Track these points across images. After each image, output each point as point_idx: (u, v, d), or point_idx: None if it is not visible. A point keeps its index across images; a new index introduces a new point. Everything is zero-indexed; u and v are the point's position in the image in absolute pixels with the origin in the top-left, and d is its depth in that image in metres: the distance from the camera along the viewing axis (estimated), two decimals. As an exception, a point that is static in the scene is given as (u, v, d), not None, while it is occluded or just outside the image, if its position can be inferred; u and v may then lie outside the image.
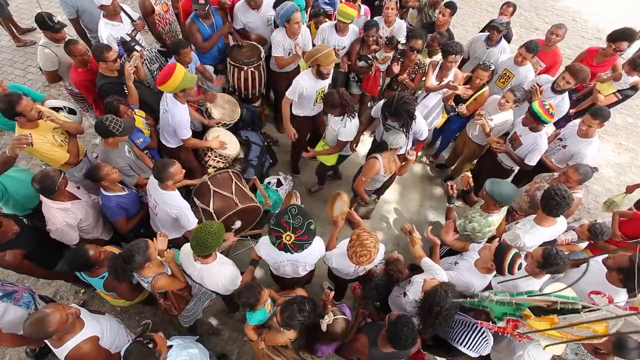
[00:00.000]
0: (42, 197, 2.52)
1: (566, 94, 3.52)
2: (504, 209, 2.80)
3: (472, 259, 2.48)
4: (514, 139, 3.37)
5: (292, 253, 2.19)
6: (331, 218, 2.75)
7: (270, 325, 2.33)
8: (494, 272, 2.38)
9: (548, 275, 2.48)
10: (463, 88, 3.55)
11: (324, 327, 2.17)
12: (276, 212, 2.23)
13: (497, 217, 2.76)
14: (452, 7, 3.99)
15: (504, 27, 3.81)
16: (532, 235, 2.68)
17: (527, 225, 2.72)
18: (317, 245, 2.46)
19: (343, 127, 3.22)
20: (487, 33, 4.03)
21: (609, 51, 3.86)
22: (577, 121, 3.33)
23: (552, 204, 2.51)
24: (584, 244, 3.05)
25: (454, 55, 3.42)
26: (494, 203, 2.63)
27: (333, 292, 2.51)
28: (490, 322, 1.84)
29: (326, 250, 2.61)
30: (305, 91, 3.28)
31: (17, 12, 5.77)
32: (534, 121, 3.08)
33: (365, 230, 2.33)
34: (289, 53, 3.72)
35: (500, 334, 1.82)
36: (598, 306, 1.43)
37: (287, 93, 3.37)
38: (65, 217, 2.53)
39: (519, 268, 2.20)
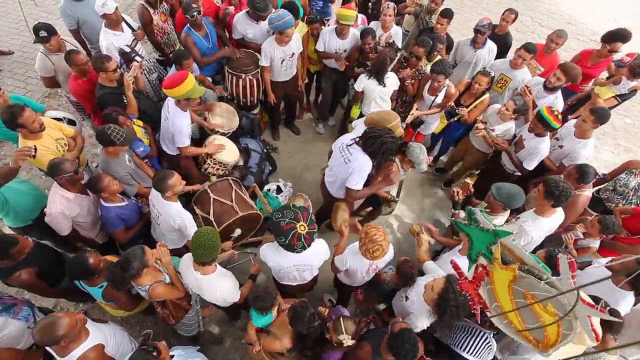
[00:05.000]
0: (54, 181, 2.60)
1: (559, 93, 3.54)
2: (507, 212, 2.81)
3: (458, 248, 2.60)
4: (518, 142, 3.39)
5: (304, 249, 2.18)
6: (336, 229, 2.81)
7: (270, 330, 2.32)
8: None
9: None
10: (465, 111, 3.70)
11: (348, 343, 2.13)
12: (276, 212, 2.22)
13: (502, 219, 2.79)
14: (449, 15, 4.02)
15: (485, 28, 3.86)
16: (536, 227, 2.70)
17: (530, 218, 2.73)
18: (322, 247, 2.47)
19: (364, 78, 3.65)
20: (471, 37, 4.08)
21: (603, 52, 3.89)
22: (574, 121, 3.35)
23: (557, 194, 2.51)
24: (596, 244, 3.00)
25: (441, 75, 3.47)
26: (502, 206, 2.66)
27: (327, 311, 2.53)
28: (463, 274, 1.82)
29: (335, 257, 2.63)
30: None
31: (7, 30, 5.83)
32: (542, 127, 3.08)
33: (372, 227, 2.37)
34: (282, 61, 3.75)
35: (465, 294, 1.78)
36: (560, 288, 1.36)
37: None
38: (63, 206, 2.57)
39: None
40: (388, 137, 2.66)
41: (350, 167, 2.78)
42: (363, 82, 3.68)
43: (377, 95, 3.72)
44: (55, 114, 3.38)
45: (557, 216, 2.74)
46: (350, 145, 2.81)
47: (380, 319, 2.86)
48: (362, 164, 2.74)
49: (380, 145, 2.65)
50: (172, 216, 2.63)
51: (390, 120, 2.90)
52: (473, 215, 1.75)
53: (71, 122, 3.43)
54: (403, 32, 4.49)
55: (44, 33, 3.24)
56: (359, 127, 3.12)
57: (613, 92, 3.94)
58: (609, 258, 2.66)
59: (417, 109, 3.88)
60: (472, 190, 3.08)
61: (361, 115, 3.97)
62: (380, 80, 3.59)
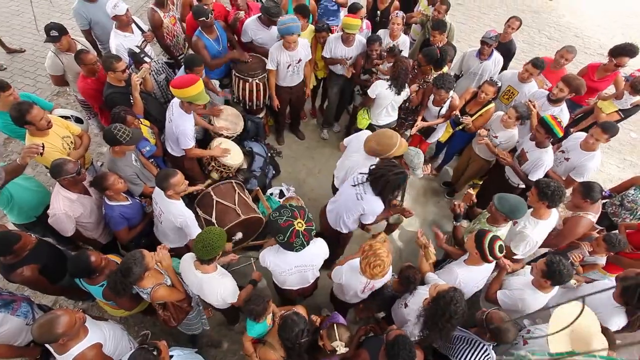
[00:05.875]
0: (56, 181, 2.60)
1: (564, 105, 3.53)
2: (510, 223, 2.79)
3: (463, 257, 2.56)
4: (520, 155, 3.37)
5: (304, 246, 2.18)
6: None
7: (266, 340, 2.30)
8: (482, 264, 2.40)
9: (556, 289, 2.46)
10: (468, 119, 3.69)
11: (341, 351, 2.11)
12: (272, 212, 2.24)
13: (505, 230, 2.77)
14: (440, 27, 4.01)
15: (492, 40, 3.88)
16: (537, 230, 2.70)
17: (530, 223, 2.72)
18: (321, 247, 2.47)
19: (382, 86, 3.59)
20: (477, 48, 4.08)
21: (610, 66, 3.89)
22: (580, 134, 3.34)
23: (549, 193, 2.55)
24: (602, 261, 2.96)
25: (442, 90, 3.48)
26: (504, 218, 2.63)
27: (319, 319, 2.53)
28: None
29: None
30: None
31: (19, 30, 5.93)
32: (545, 133, 3.04)
33: (377, 242, 2.32)
34: (288, 66, 3.78)
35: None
36: None
37: None
38: (66, 207, 2.58)
39: (501, 251, 2.27)
40: (392, 174, 2.52)
41: (362, 205, 2.66)
42: (379, 89, 3.64)
43: (390, 104, 3.72)
44: (63, 112, 3.42)
45: (554, 217, 2.76)
46: (364, 183, 2.65)
47: (379, 327, 2.83)
48: (375, 208, 2.66)
49: (384, 185, 2.55)
50: (173, 214, 2.64)
51: (392, 143, 2.73)
52: (524, 358, 1.72)
53: (78, 120, 3.47)
54: (410, 41, 4.52)
55: (54, 32, 3.30)
56: (352, 146, 3.03)
57: (615, 106, 3.93)
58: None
59: (422, 120, 3.89)
60: (475, 200, 3.06)
61: (370, 126, 3.94)
62: (401, 90, 3.59)
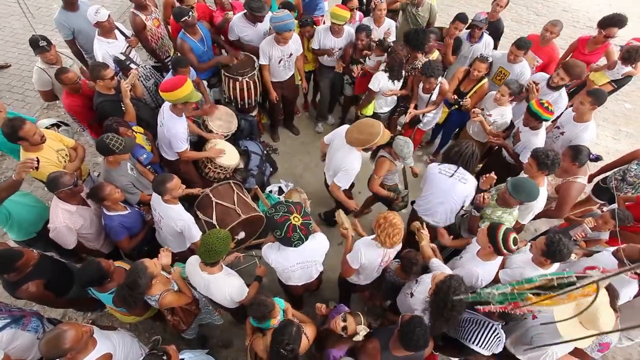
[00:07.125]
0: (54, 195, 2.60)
1: (564, 90, 3.51)
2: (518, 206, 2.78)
3: (474, 250, 2.51)
4: (515, 134, 3.37)
5: (302, 241, 2.20)
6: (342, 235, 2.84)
7: (266, 333, 2.30)
8: (496, 257, 2.40)
9: (557, 265, 2.47)
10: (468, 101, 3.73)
11: (360, 338, 2.16)
12: (269, 209, 2.27)
13: (516, 214, 2.78)
14: (462, 19, 3.95)
15: (483, 23, 3.87)
16: (541, 197, 2.74)
17: None
18: (322, 241, 2.49)
19: (383, 79, 3.67)
20: (467, 31, 4.06)
21: (599, 38, 3.87)
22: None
23: (549, 163, 2.61)
24: (606, 235, 2.96)
25: (432, 78, 3.48)
26: (517, 201, 2.62)
27: (325, 306, 2.56)
28: (491, 305, 1.78)
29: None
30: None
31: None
32: (535, 121, 3.07)
33: (389, 212, 2.35)
34: (280, 61, 3.75)
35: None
36: (591, 276, 1.38)
37: None
38: (67, 219, 2.58)
39: (515, 243, 2.27)
40: (475, 147, 2.86)
41: (468, 188, 2.83)
42: (381, 83, 3.69)
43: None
44: (47, 122, 3.40)
45: (546, 181, 2.86)
46: (458, 170, 2.83)
47: (387, 317, 2.86)
48: (476, 185, 2.88)
49: (476, 160, 2.86)
50: (173, 219, 2.64)
51: (375, 132, 2.69)
52: (489, 294, 1.75)
53: (65, 124, 3.46)
54: (397, 26, 4.48)
55: (43, 42, 3.24)
56: (335, 143, 2.99)
57: (608, 77, 3.92)
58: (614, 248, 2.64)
59: (415, 108, 3.89)
60: (495, 178, 3.01)
61: (374, 114, 4.01)
62: (400, 79, 3.68)
